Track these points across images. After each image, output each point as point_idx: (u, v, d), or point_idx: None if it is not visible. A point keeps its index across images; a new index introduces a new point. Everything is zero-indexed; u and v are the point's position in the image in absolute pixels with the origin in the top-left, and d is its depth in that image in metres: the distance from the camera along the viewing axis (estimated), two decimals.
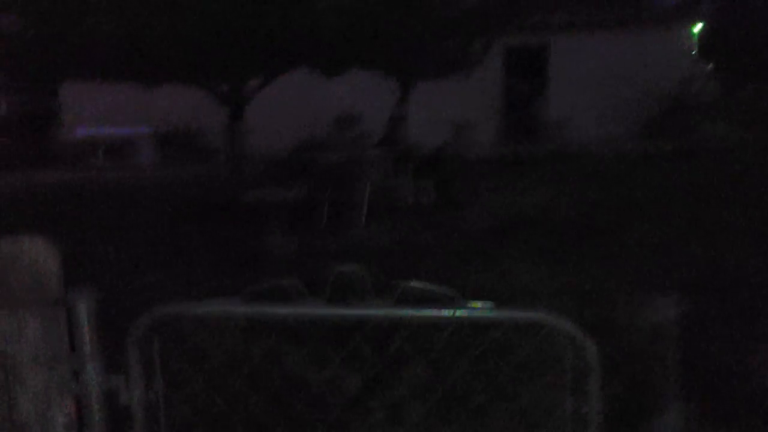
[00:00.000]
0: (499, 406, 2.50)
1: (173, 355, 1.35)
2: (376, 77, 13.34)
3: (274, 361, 1.43)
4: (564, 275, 5.85)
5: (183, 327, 1.30)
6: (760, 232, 7.15)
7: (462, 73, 13.41)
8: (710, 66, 18.04)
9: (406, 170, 8.79)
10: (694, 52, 16.40)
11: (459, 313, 1.23)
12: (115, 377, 1.24)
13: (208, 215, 8.85)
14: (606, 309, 5.00)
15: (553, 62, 16.84)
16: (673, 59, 16.14)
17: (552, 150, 14.01)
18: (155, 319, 1.28)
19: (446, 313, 1.23)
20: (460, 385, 1.78)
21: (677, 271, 5.78)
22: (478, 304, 1.24)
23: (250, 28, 8.70)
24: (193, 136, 16.20)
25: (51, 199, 11.21)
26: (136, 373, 1.24)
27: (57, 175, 14.01)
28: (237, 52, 9.46)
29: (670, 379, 3.10)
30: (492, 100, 16.75)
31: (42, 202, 10.86)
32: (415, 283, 1.26)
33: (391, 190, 8.70)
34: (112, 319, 1.40)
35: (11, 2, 9.34)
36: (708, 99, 16.72)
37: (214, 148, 15.16)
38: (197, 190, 11.15)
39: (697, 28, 16.70)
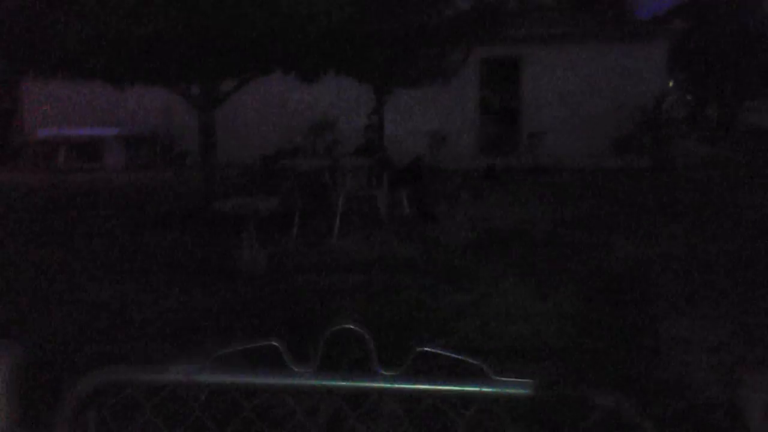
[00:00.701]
0: None
1: None
2: (353, 84, 13.08)
3: None
4: (544, 292, 5.63)
5: (130, 397, 1.00)
6: (735, 243, 7.10)
7: (438, 82, 13.21)
8: (676, 83, 18.17)
9: (382, 181, 8.51)
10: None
11: (487, 389, 0.95)
12: None
13: (172, 227, 8.45)
14: (590, 328, 4.80)
15: (528, 75, 16.72)
16: (645, 75, 16.17)
17: (527, 163, 13.89)
18: (94, 388, 0.99)
19: (471, 388, 0.96)
20: None
21: (658, 285, 5.62)
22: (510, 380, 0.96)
23: (223, 28, 8.37)
24: (162, 139, 15.74)
25: None
26: None
27: (13, 177, 13.45)
28: (210, 54, 9.12)
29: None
30: (468, 111, 16.58)
31: None
32: (430, 349, 0.99)
33: (365, 201, 8.41)
34: (42, 383, 1.10)
35: None
36: (678, 115, 16.81)
37: (183, 152, 14.73)
38: (163, 198, 10.74)
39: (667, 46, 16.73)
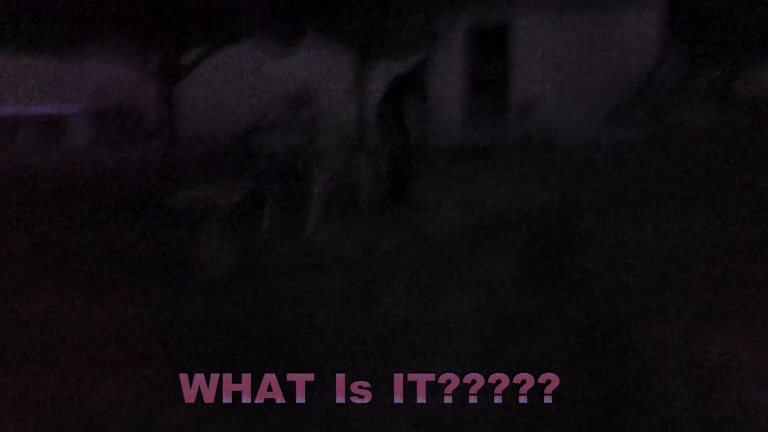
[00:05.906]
0: None
1: None
2: (331, 55, 12.17)
3: None
4: (553, 296, 4.84)
5: None
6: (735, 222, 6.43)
7: (423, 52, 12.30)
8: (679, 42, 17.14)
9: (366, 163, 7.63)
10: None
11: None
12: None
13: (124, 220, 7.50)
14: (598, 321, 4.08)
15: (518, 43, 15.78)
16: (642, 40, 15.30)
17: (517, 138, 13.04)
18: None
19: None
20: None
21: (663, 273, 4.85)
22: None
23: None
24: (129, 116, 14.69)
25: None
26: None
27: None
28: (172, 19, 8.19)
29: None
30: (454, 82, 15.64)
31: None
32: None
33: (347, 185, 7.53)
34: None
35: None
36: (679, 80, 15.98)
37: (150, 129, 13.73)
38: (121, 184, 9.78)
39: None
